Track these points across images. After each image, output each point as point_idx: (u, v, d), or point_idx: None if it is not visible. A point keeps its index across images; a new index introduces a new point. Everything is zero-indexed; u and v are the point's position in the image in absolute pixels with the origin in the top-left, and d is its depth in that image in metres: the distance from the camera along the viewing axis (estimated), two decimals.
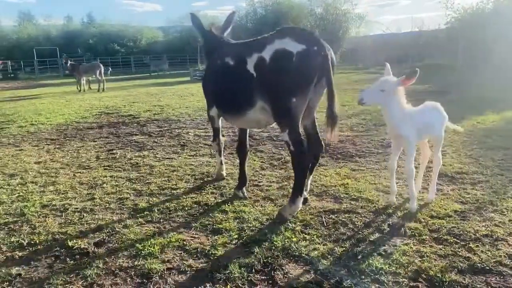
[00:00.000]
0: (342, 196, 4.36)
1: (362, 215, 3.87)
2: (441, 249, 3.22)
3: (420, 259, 3.08)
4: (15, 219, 4.00)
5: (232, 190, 4.61)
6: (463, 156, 5.73)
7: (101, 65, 19.44)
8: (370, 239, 3.40)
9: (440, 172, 5.07)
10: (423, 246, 3.27)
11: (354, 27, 39.86)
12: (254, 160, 5.88)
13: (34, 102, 14.39)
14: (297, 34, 3.69)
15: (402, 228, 3.56)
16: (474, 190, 4.44)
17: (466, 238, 3.40)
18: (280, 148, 6.55)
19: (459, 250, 3.20)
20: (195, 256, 3.22)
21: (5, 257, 3.29)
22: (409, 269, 2.96)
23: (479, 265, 2.99)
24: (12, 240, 3.56)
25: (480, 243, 3.30)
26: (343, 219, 3.78)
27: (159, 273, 2.99)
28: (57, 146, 7.16)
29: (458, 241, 3.35)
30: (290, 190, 4.50)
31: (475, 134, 7.12)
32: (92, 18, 58.28)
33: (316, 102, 4.16)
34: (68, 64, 20.19)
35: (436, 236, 3.44)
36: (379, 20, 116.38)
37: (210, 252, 3.26)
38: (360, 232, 3.53)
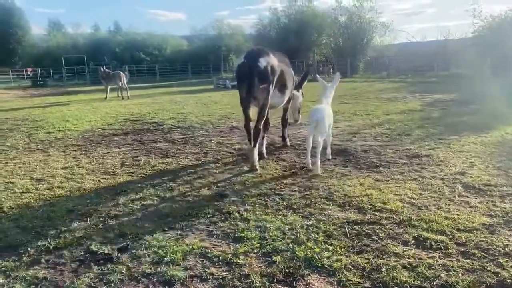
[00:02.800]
0: (365, 206, 4.29)
1: (386, 226, 3.81)
2: (469, 264, 3.13)
3: (446, 273, 3.00)
4: (42, 223, 4.09)
5: (254, 198, 4.61)
6: (491, 168, 5.58)
7: (122, 74, 19.80)
8: (395, 251, 3.34)
9: (467, 184, 4.96)
10: (449, 260, 3.19)
11: (379, 35, 39.52)
12: (276, 169, 5.87)
13: (62, 109, 14.78)
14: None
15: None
16: (503, 203, 4.31)
17: (495, 252, 3.29)
18: (302, 157, 6.52)
19: (488, 265, 3.11)
20: (217, 264, 3.22)
21: (32, 260, 3.37)
22: (435, 283, 2.89)
23: (508, 280, 2.89)
24: (39, 243, 3.64)
25: (510, 258, 3.20)
26: (366, 230, 3.73)
27: (181, 280, 3.00)
28: (83, 152, 7.32)
29: (487, 255, 3.25)
30: (313, 200, 4.50)
31: (503, 145, 6.93)
32: (118, 27, 59.73)
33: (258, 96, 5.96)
34: (102, 71, 20.38)
35: (463, 249, 3.35)
36: (404, 29, 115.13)
37: (232, 260, 3.25)
38: (384, 244, 3.46)
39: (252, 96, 5.87)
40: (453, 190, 4.75)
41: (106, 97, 19.10)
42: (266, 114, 6.26)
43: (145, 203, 4.59)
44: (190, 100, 16.82)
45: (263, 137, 6.79)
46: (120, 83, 19.26)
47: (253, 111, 6.04)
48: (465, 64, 30.19)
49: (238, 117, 11.22)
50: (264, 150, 6.82)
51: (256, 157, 5.99)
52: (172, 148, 7.46)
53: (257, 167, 5.89)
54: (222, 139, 8.18)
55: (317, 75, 7.58)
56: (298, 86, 7.68)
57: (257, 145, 6.04)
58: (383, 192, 4.73)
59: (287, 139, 7.63)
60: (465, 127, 8.69)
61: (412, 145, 7.06)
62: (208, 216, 4.17)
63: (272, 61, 6.00)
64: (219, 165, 6.19)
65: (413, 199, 4.48)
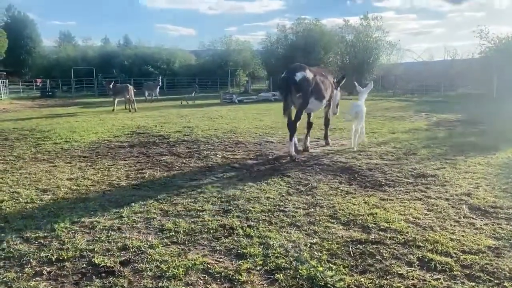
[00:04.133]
0: (370, 226, 4.26)
1: (391, 246, 3.77)
2: (474, 287, 3.09)
3: None
4: (45, 234, 4.09)
5: (258, 214, 4.60)
6: (498, 190, 5.53)
7: (130, 87, 20.01)
8: (399, 272, 3.30)
9: (472, 205, 4.92)
10: (454, 283, 3.15)
11: (385, 54, 39.65)
12: (281, 185, 5.86)
13: (69, 120, 14.90)
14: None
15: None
16: (509, 226, 4.26)
17: (500, 276, 3.25)
18: (308, 174, 6.51)
19: None
20: (218, 280, 3.20)
21: (34, 272, 3.36)
22: None
23: None
24: (41, 255, 3.64)
25: None
26: (370, 250, 3.69)
27: None
28: (89, 164, 7.35)
29: (492, 279, 3.20)
30: (317, 217, 4.48)
31: (510, 166, 6.89)
32: (128, 40, 60.51)
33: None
34: (111, 86, 20.56)
35: (468, 272, 3.30)
36: (412, 48, 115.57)
37: (234, 277, 3.23)
38: (388, 264, 3.43)
39: (290, 101, 7.92)
40: (459, 211, 4.71)
41: (113, 109, 19.26)
42: (301, 116, 8.06)
43: (148, 216, 4.58)
44: (196, 114, 16.91)
45: (306, 135, 8.93)
46: (128, 96, 19.43)
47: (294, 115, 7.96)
48: (471, 84, 30.23)
49: (244, 132, 11.25)
50: (309, 144, 8.85)
51: (293, 148, 7.90)
52: (177, 162, 7.48)
53: (295, 157, 7.67)
54: (227, 154, 8.19)
55: (354, 82, 9.79)
56: (336, 85, 9.47)
57: (293, 138, 7.95)
58: (388, 211, 4.70)
59: (329, 139, 9.52)
60: (471, 147, 8.66)
61: (417, 165, 7.03)
62: (211, 231, 4.15)
63: (307, 74, 7.94)
64: (224, 180, 6.18)
65: (418, 219, 4.45)
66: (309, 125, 9.04)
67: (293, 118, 7.92)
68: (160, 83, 28.10)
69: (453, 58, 37.43)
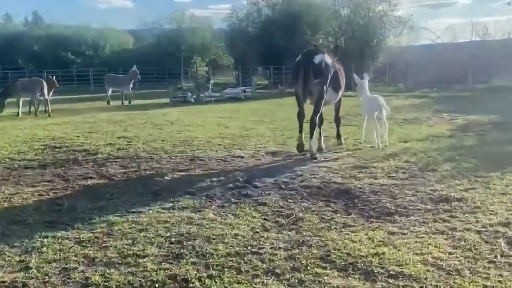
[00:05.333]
0: (375, 271, 4.30)
1: None
2: None
3: None
4: None
5: (222, 259, 4.57)
6: None
7: (44, 82, 19.71)
8: None
9: None
10: None
11: (394, 34, 40.30)
12: (254, 217, 5.85)
13: None
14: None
15: None
16: None
17: None
18: (291, 200, 6.53)
19: None
20: None
21: None
22: None
23: None
24: None
25: None
26: None
27: None
28: None
29: None
30: (304, 261, 4.49)
31: None
32: (38, 17, 59.67)
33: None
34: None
35: None
36: (429, 26, 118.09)
37: None
38: None
39: (307, 90, 9.18)
40: (494, 247, 4.80)
41: (18, 114, 18.89)
42: (321, 109, 9.59)
43: (67, 266, 4.48)
44: (136, 119, 16.79)
45: (319, 133, 10.16)
46: (39, 94, 19.10)
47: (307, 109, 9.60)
48: (509, 73, 31.07)
49: (203, 143, 11.23)
50: (323, 145, 10.30)
51: (315, 147, 9.54)
52: (109, 187, 7.38)
53: (316, 155, 9.37)
54: (179, 174, 8.16)
55: (354, 74, 11.11)
56: None
57: (314, 137, 9.45)
58: (399, 250, 4.76)
59: (342, 138, 10.92)
60: (510, 160, 8.90)
61: (438, 185, 7.16)
62: (157, 285, 4.09)
63: (327, 59, 9.43)
64: (174, 211, 6.13)
65: (440, 260, 4.52)
66: (321, 121, 10.28)
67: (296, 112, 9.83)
68: (138, 75, 26.47)
69: (483, 38, 38.49)
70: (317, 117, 9.56)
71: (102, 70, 41.71)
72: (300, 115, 9.68)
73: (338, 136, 10.98)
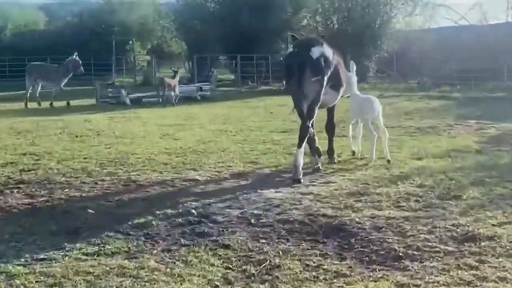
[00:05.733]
0: None
1: None
2: None
3: None
4: None
5: None
6: None
7: None
8: None
9: None
10: None
11: (402, 14, 40.68)
12: (212, 264, 5.81)
13: None
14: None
15: None
16: None
17: None
18: (264, 240, 6.50)
19: None
20: None
21: None
22: None
23: None
24: None
25: None
26: None
27: None
28: None
29: None
30: None
31: None
32: None
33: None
34: None
35: None
36: (448, 2, 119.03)
37: None
38: None
39: (302, 90, 9.68)
40: None
41: None
42: (315, 113, 10.02)
43: None
44: (48, 128, 16.61)
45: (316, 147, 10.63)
46: None
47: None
48: None
49: (142, 162, 11.14)
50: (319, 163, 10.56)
51: (300, 162, 9.58)
52: (9, 225, 7.26)
53: (300, 177, 9.45)
54: (108, 206, 8.09)
55: (351, 61, 12.15)
56: None
57: (302, 148, 9.77)
58: None
59: (335, 155, 11.20)
60: None
61: (463, 218, 7.21)
62: None
63: (326, 51, 9.96)
64: (100, 257, 6.04)
65: None
66: (332, 128, 11.37)
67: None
68: (81, 67, 27.07)
69: None
70: (311, 122, 10.06)
71: (2, 60, 41.24)
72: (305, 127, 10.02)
73: (330, 150, 11.22)
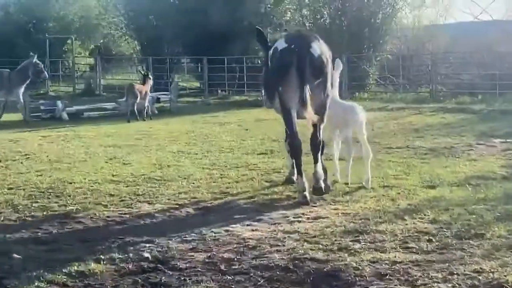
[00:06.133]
0: None
1: None
2: None
3: None
4: None
5: None
6: None
7: None
8: None
9: None
10: None
11: (410, 7, 40.95)
12: None
13: None
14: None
15: None
16: None
17: None
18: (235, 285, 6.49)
19: None
20: None
21: None
22: None
23: None
24: None
25: None
26: None
27: None
28: None
29: None
30: None
31: None
32: None
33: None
34: None
35: None
36: None
37: None
38: None
39: (303, 98, 9.89)
40: None
41: None
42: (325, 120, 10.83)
43: None
44: None
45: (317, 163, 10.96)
46: None
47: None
48: None
49: (82, 192, 11.09)
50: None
51: (322, 177, 10.59)
52: None
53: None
54: (39, 249, 8.03)
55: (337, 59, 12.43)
56: None
57: (320, 162, 10.72)
58: None
59: (326, 178, 11.14)
60: None
61: (486, 262, 7.25)
62: None
63: (324, 47, 10.63)
64: None
65: None
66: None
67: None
68: (44, 72, 27.01)
69: None
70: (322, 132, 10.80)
71: None
72: (296, 145, 10.60)
73: (322, 171, 11.08)
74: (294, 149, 10.41)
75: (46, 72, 26.39)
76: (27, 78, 25.82)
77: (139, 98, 25.96)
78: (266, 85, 11.79)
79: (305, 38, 10.73)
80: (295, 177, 11.00)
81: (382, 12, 38.72)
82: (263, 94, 13.69)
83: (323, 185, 10.49)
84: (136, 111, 25.80)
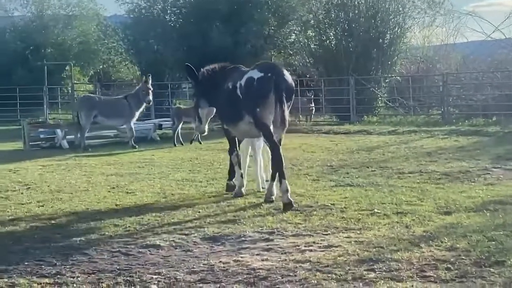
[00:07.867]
0: None
1: None
2: None
3: None
4: None
5: None
6: None
7: None
8: None
9: None
10: None
11: (418, 25, 40.99)
12: None
13: None
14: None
15: None
16: None
17: None
18: None
19: None
20: None
21: None
22: None
23: None
24: None
25: None
26: None
27: None
28: None
29: None
30: None
31: None
32: None
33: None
34: None
35: None
36: (480, 11, 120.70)
37: None
38: None
39: (284, 118, 12.16)
40: None
41: None
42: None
43: None
44: None
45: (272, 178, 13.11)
46: None
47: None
48: None
49: (84, 221, 11.05)
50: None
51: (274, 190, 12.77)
52: None
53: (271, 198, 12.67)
54: (41, 282, 7.95)
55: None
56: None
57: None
58: None
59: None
60: None
61: None
62: None
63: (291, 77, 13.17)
64: None
65: None
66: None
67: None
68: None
69: None
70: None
71: None
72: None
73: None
74: (281, 158, 12.39)
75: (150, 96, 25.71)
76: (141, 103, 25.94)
77: (183, 120, 26.78)
78: (223, 110, 13.63)
79: (277, 67, 13.21)
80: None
81: (390, 32, 38.63)
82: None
83: (292, 200, 12.01)
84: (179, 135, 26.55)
